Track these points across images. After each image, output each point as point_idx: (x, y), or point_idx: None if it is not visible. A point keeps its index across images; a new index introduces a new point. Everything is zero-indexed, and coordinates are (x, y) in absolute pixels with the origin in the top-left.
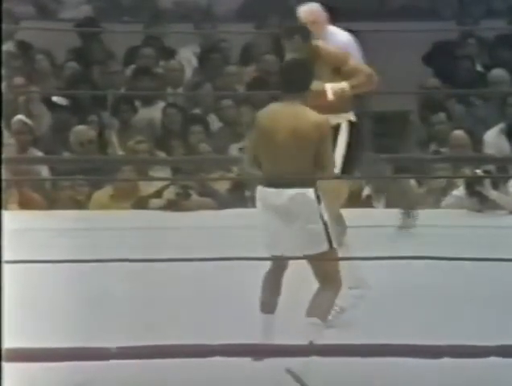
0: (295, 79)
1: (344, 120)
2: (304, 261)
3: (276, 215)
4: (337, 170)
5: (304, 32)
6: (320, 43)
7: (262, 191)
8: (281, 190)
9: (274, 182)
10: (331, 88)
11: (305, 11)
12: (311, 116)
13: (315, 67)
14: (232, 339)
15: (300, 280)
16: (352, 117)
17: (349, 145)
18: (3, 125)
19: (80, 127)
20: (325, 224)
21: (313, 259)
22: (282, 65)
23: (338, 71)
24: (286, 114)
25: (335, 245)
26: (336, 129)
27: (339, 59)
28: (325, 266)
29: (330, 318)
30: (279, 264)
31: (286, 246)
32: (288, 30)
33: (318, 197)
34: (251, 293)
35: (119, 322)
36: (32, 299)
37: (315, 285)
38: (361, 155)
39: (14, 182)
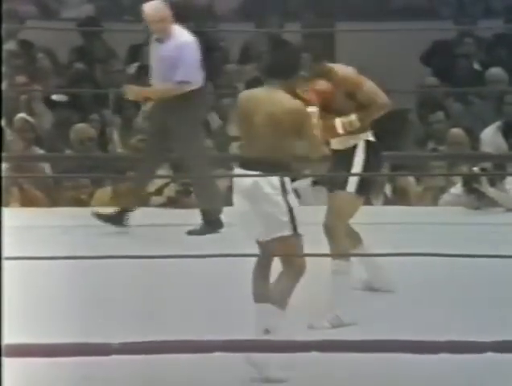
0: (279, 65)
1: (360, 140)
2: None
3: (244, 197)
4: (353, 189)
5: (315, 52)
6: (335, 66)
7: (235, 172)
8: (249, 172)
9: (246, 163)
10: (340, 122)
11: (149, 9)
12: (288, 102)
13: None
14: None
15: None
16: (369, 136)
17: (366, 166)
18: (5, 123)
19: (80, 125)
20: (290, 209)
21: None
22: (271, 51)
23: (352, 95)
24: (263, 99)
25: (300, 232)
26: (353, 149)
27: (354, 85)
28: (287, 251)
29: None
30: (265, 253)
31: (255, 228)
32: (298, 49)
33: (283, 182)
34: None
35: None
36: (34, 295)
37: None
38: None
39: (16, 180)
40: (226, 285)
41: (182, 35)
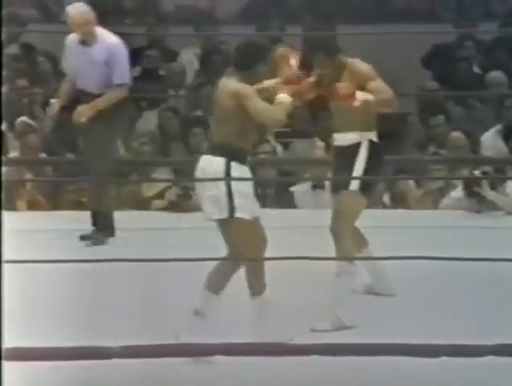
0: (241, 57)
1: (365, 139)
2: None
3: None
4: (355, 188)
5: (330, 47)
6: (349, 60)
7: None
8: (203, 156)
9: (207, 148)
10: (358, 94)
11: (74, 12)
12: (231, 85)
13: (341, 82)
14: None
15: None
16: (373, 136)
17: (368, 165)
18: (7, 126)
19: None
20: (230, 193)
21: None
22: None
23: (362, 88)
24: (219, 87)
25: (240, 215)
26: (356, 147)
27: (366, 77)
28: (230, 236)
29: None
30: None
31: (205, 209)
32: (313, 45)
33: (228, 166)
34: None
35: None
36: (35, 299)
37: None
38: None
39: (18, 184)
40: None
41: (109, 38)
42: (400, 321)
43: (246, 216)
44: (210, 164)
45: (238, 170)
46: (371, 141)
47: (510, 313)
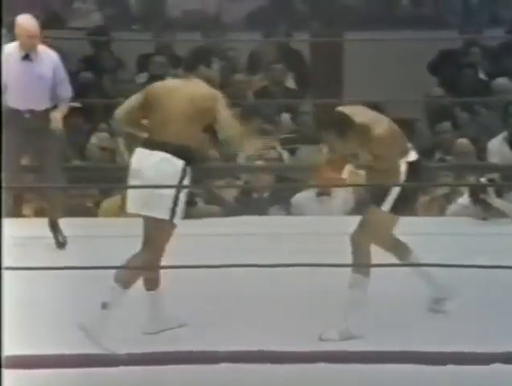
0: (187, 59)
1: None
2: None
3: (135, 174)
4: (388, 208)
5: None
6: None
7: (138, 151)
8: (154, 152)
9: (150, 144)
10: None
11: (27, 23)
12: (204, 88)
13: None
14: None
15: None
16: (411, 156)
17: (404, 190)
18: None
19: (102, 134)
20: (177, 198)
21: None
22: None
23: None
24: (181, 86)
25: (176, 221)
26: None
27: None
28: (151, 234)
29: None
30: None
31: (134, 204)
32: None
33: (185, 169)
34: None
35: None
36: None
37: None
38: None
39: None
40: None
41: (49, 52)
42: (410, 329)
43: (177, 222)
44: (170, 164)
45: (189, 172)
46: (409, 163)
47: None
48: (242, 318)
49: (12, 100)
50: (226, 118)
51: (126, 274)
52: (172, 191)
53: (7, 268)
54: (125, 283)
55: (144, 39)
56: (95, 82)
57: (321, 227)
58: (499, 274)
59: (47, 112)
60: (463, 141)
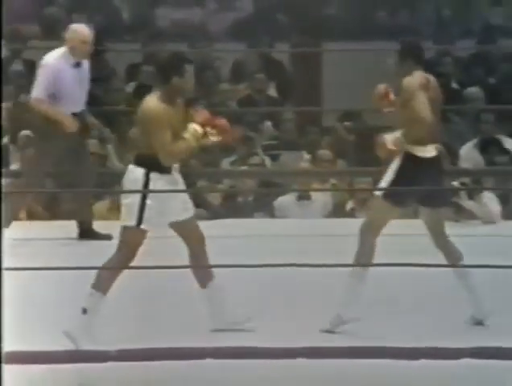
0: (160, 71)
1: (403, 150)
2: None
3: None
4: (379, 194)
5: (418, 56)
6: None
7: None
8: (129, 166)
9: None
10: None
11: (86, 31)
12: (145, 102)
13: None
14: None
15: None
16: (412, 149)
17: (399, 174)
18: (10, 140)
19: (92, 141)
20: (142, 204)
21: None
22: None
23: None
24: (144, 101)
25: (144, 227)
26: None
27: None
28: (120, 240)
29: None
30: None
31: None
32: (402, 52)
33: (148, 177)
34: None
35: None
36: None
37: None
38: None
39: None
40: None
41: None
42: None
43: (150, 228)
44: (132, 173)
45: (158, 179)
46: (408, 154)
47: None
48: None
49: (66, 106)
50: (156, 139)
51: (102, 279)
52: (137, 199)
53: (7, 269)
54: (101, 287)
55: (134, 49)
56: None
57: (302, 229)
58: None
59: (81, 114)
60: (436, 147)
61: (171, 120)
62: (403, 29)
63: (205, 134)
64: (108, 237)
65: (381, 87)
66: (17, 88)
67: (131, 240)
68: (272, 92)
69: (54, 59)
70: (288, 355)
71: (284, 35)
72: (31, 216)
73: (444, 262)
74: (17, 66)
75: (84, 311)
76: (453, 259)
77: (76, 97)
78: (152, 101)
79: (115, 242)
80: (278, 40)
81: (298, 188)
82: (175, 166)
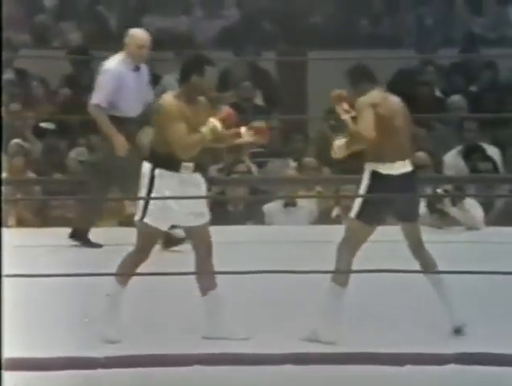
0: (181, 70)
1: (369, 169)
2: None
3: None
4: (353, 215)
5: (368, 75)
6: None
7: None
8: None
9: None
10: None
11: (145, 35)
12: (163, 98)
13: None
14: None
15: None
16: (378, 167)
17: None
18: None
19: (80, 149)
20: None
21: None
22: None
23: None
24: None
25: (147, 221)
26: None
27: None
28: (137, 235)
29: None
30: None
31: None
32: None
33: (153, 173)
34: None
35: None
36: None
37: None
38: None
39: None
40: None
41: None
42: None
43: (153, 223)
44: (143, 168)
45: (164, 176)
46: (374, 172)
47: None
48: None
49: (124, 110)
50: (173, 133)
51: (119, 270)
52: (143, 194)
53: (7, 276)
54: (120, 278)
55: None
56: (75, 99)
57: (288, 235)
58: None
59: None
60: (421, 155)
61: (187, 116)
62: (386, 37)
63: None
64: (98, 245)
65: (336, 92)
66: (8, 97)
67: (140, 232)
68: (258, 100)
69: (115, 64)
70: (276, 362)
71: (270, 44)
72: (21, 223)
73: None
74: (8, 75)
75: (108, 295)
76: (429, 268)
77: (135, 102)
78: (168, 98)
79: (108, 249)
80: (265, 49)
81: (284, 195)
82: (187, 164)
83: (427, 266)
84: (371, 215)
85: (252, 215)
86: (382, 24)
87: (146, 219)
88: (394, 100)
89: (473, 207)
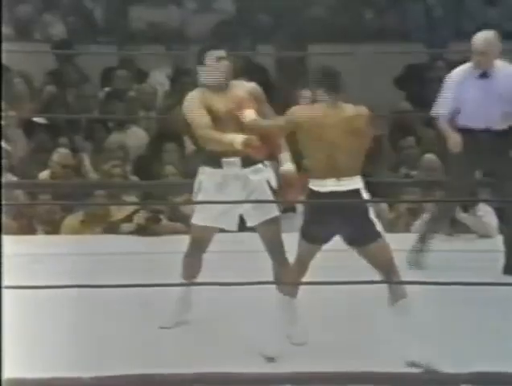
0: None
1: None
2: None
3: None
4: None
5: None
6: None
7: None
8: None
9: None
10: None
11: (477, 42)
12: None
13: None
14: None
15: None
16: (314, 186)
17: (304, 210)
18: None
19: (62, 150)
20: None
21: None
22: None
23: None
24: None
25: (192, 220)
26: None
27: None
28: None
29: None
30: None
31: None
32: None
33: (200, 178)
34: None
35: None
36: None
37: None
38: None
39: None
40: None
41: (509, 67)
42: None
43: (196, 222)
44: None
45: (205, 174)
46: (309, 188)
47: (485, 338)
48: None
49: (467, 119)
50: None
51: (184, 268)
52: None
53: (7, 287)
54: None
55: (109, 52)
56: (60, 97)
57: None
58: (464, 291)
59: (505, 132)
60: (430, 157)
61: (210, 105)
62: (392, 31)
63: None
64: None
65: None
66: None
67: (191, 232)
68: None
69: (457, 71)
70: (275, 381)
71: (267, 38)
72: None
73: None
74: None
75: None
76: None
77: (479, 112)
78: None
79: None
80: (261, 43)
81: (283, 200)
82: (228, 160)
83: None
84: (311, 233)
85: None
86: (389, 16)
87: (193, 220)
88: (332, 113)
89: (486, 214)
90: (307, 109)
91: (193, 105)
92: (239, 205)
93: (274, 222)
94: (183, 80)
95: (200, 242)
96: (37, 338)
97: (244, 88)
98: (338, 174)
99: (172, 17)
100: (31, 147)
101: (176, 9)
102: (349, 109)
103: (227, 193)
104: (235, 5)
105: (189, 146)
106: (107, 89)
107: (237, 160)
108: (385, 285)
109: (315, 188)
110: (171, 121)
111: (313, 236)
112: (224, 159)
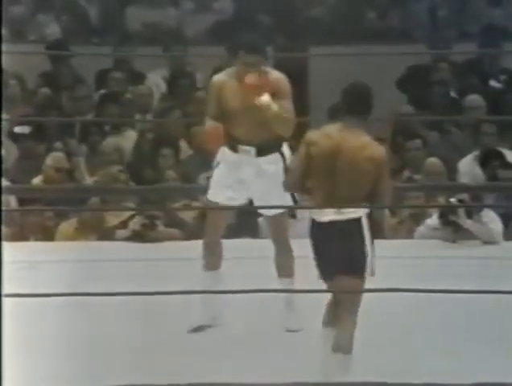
0: None
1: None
2: None
3: None
4: None
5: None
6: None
7: None
8: None
9: None
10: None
11: None
12: None
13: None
14: None
15: None
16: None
17: None
18: None
19: (56, 154)
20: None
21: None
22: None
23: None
24: None
25: (207, 196)
26: None
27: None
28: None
29: None
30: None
31: None
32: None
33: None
34: None
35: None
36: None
37: None
38: None
39: None
40: None
41: None
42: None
43: (211, 199)
44: None
45: (225, 155)
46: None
47: (490, 348)
48: None
49: None
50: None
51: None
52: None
53: (7, 296)
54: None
55: (104, 53)
56: (54, 99)
57: None
58: (469, 299)
59: None
60: (433, 161)
61: (229, 92)
62: (394, 32)
63: None
64: None
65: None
66: None
67: (207, 215)
68: None
69: None
70: None
71: (267, 39)
72: None
73: None
74: None
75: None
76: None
77: None
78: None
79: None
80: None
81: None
82: (244, 148)
83: None
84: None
85: (247, 228)
86: (391, 17)
87: (208, 196)
88: (346, 139)
89: (491, 220)
90: (322, 136)
91: (209, 93)
92: (250, 189)
93: (282, 214)
94: (180, 83)
95: (214, 224)
96: (31, 347)
97: (271, 75)
98: (339, 204)
99: (169, 17)
100: (19, 155)
101: (173, 9)
102: (367, 144)
103: (239, 175)
104: (234, 5)
105: (185, 151)
106: (102, 91)
107: (252, 149)
108: None
109: (316, 218)
110: (168, 124)
111: (324, 275)
112: (239, 146)
